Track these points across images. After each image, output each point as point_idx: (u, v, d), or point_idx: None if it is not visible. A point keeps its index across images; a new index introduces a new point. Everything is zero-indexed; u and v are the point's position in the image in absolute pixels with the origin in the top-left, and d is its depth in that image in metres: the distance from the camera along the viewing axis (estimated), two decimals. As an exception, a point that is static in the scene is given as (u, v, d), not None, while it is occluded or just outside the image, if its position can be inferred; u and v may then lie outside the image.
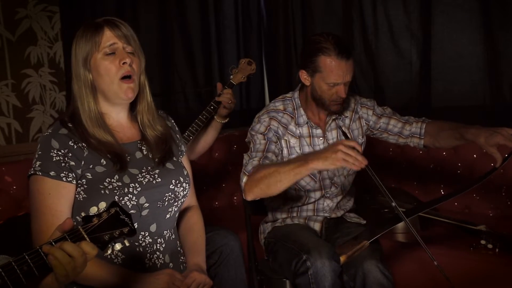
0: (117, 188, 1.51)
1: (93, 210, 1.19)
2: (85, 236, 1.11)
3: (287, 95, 2.22)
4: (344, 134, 2.10)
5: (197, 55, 3.63)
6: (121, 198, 1.51)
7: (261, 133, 2.09)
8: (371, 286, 1.89)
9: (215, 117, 2.43)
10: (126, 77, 1.56)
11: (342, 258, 1.87)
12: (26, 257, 1.02)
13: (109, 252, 1.17)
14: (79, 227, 1.13)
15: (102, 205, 1.19)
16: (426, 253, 1.84)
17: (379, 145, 2.99)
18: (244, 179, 1.94)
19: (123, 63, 1.54)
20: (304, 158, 1.79)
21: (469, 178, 2.87)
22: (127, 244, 1.20)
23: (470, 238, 2.44)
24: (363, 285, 1.91)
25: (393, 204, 1.81)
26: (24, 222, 1.59)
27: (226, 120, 2.46)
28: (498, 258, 2.28)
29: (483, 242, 2.37)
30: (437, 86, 3.24)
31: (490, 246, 2.35)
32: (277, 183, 1.82)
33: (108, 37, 1.55)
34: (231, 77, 2.45)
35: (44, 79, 3.02)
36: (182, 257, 1.72)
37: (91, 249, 1.11)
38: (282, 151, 2.11)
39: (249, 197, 1.93)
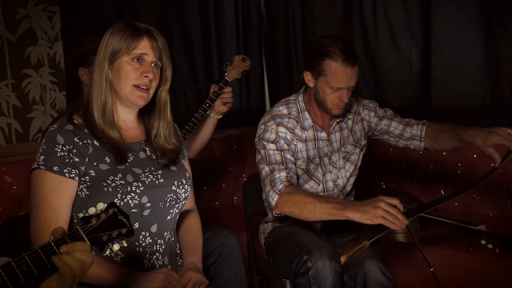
0: (120, 186, 1.50)
1: (91, 211, 1.18)
2: (84, 236, 1.11)
3: (291, 98, 2.20)
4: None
5: (197, 55, 3.62)
6: (123, 197, 1.50)
7: (272, 142, 2.08)
8: (371, 286, 1.89)
9: (211, 114, 2.43)
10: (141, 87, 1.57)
11: (343, 259, 1.87)
12: (26, 257, 1.03)
13: (107, 252, 1.17)
14: (78, 227, 1.13)
15: (100, 205, 1.19)
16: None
17: (379, 145, 2.98)
18: (276, 198, 1.97)
19: (145, 76, 1.55)
20: (344, 203, 1.84)
21: (469, 178, 2.87)
22: (125, 244, 1.19)
23: (470, 238, 2.44)
24: (364, 285, 1.91)
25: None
26: (24, 222, 1.59)
27: (221, 116, 2.46)
28: (498, 258, 2.28)
29: (483, 242, 2.38)
30: (437, 86, 3.24)
31: (490, 246, 2.35)
32: (309, 214, 1.89)
33: (143, 46, 1.55)
34: (226, 74, 2.45)
35: (44, 79, 3.02)
36: (180, 260, 1.71)
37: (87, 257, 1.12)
38: (293, 154, 2.11)
39: (278, 212, 2.00)
